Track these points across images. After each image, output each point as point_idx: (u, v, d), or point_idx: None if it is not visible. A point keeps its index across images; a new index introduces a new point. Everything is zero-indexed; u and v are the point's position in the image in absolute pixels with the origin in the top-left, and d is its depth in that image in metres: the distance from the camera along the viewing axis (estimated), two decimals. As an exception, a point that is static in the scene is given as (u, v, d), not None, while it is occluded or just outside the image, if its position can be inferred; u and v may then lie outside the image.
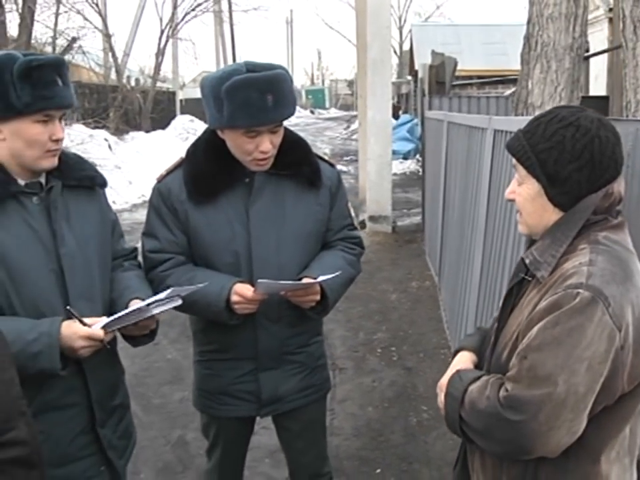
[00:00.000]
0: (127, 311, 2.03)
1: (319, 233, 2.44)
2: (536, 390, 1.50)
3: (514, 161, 1.69)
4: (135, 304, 2.11)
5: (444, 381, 1.78)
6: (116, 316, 2.02)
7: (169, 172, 2.38)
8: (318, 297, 2.32)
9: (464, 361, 1.84)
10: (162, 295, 2.07)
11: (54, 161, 2.03)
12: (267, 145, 2.22)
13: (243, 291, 2.24)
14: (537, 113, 1.77)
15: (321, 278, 2.26)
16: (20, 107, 1.90)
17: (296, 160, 2.36)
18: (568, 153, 1.58)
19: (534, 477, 1.64)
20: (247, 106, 2.12)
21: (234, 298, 2.24)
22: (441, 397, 1.77)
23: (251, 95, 2.11)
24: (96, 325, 1.97)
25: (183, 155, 2.41)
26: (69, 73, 2.04)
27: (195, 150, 2.37)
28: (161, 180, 2.38)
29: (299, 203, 2.37)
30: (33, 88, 1.90)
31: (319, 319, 2.54)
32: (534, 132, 1.64)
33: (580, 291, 1.49)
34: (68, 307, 1.96)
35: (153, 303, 2.05)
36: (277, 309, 2.35)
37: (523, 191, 1.67)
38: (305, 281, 2.29)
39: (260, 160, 2.25)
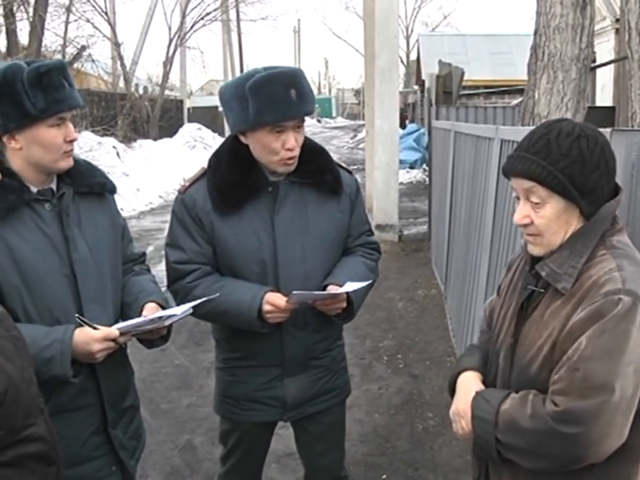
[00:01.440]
0: (140, 320, 2.06)
1: (341, 239, 2.47)
2: (591, 399, 1.52)
3: (526, 185, 1.66)
4: (150, 309, 2.15)
5: (462, 406, 1.77)
6: (130, 323, 2.05)
7: (192, 183, 2.38)
8: (344, 304, 2.35)
9: (474, 381, 1.84)
10: (178, 311, 2.11)
11: (70, 161, 2.08)
12: (293, 141, 2.24)
13: (275, 300, 2.26)
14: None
15: (348, 286, 2.29)
16: (36, 113, 1.94)
17: (318, 168, 2.39)
18: (589, 164, 1.61)
19: None
20: (272, 101, 2.15)
21: (266, 307, 2.26)
22: (462, 423, 1.76)
23: (275, 89, 2.15)
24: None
25: (199, 164, 2.44)
26: (72, 75, 2.08)
27: (218, 160, 2.38)
28: (184, 191, 2.38)
29: (322, 210, 2.40)
30: (45, 93, 1.94)
31: (341, 324, 2.56)
32: (547, 151, 1.63)
33: (621, 296, 1.53)
34: (77, 315, 1.99)
35: (169, 317, 2.09)
36: (303, 315, 2.37)
37: (546, 212, 1.65)
38: (331, 288, 2.31)
39: (287, 159, 2.27)
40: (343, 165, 2.55)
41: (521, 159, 1.66)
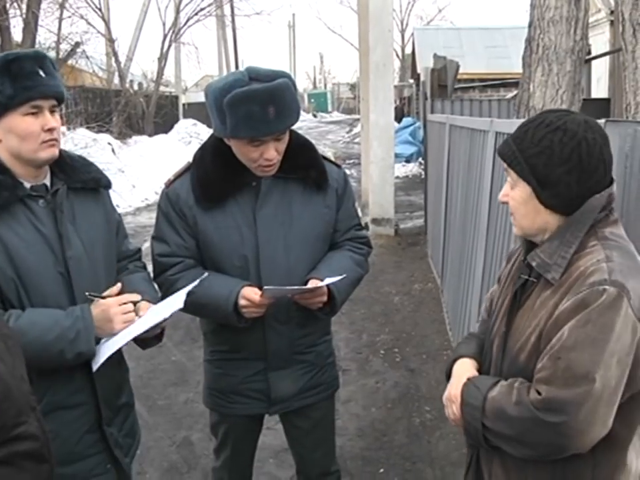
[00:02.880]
0: (138, 329, 2.04)
1: (327, 234, 2.46)
2: (574, 389, 1.52)
3: (504, 165, 1.72)
4: (143, 308, 2.12)
5: (454, 391, 1.78)
6: (128, 335, 2.03)
7: (177, 177, 2.40)
8: (325, 299, 2.35)
9: (468, 368, 1.85)
10: (171, 307, 2.10)
11: (54, 152, 2.03)
12: (272, 152, 2.23)
13: (250, 295, 2.26)
14: (538, 115, 1.80)
15: (327, 281, 2.28)
16: (4, 100, 1.92)
17: (303, 163, 2.38)
18: (557, 157, 1.61)
19: (562, 475, 1.65)
20: (248, 119, 2.13)
21: (241, 302, 2.27)
22: (453, 408, 1.77)
23: (252, 108, 2.12)
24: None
25: (190, 159, 2.44)
26: (53, 65, 2.04)
27: (202, 155, 2.39)
28: (169, 185, 2.40)
29: (306, 205, 2.39)
30: (14, 80, 1.91)
31: (328, 319, 2.57)
32: (523, 137, 1.67)
33: (606, 287, 1.53)
34: (87, 293, 2.02)
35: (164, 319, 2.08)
36: (287, 310, 2.38)
37: (516, 194, 1.70)
38: (310, 283, 2.31)
39: (265, 167, 2.27)
40: (331, 158, 2.55)
41: (505, 141, 1.73)
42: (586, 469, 1.63)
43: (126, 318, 2.02)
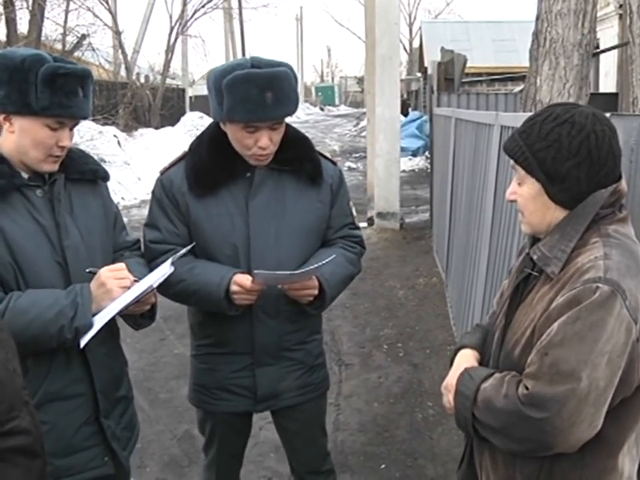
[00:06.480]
0: (126, 301, 2.02)
1: (319, 229, 2.45)
2: (559, 386, 1.50)
3: (512, 162, 1.69)
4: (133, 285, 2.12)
5: (451, 380, 1.78)
6: (121, 302, 2.01)
7: (172, 165, 2.41)
8: (316, 292, 2.33)
9: (468, 359, 1.84)
10: (156, 275, 2.10)
11: (55, 167, 2.05)
12: (266, 141, 2.23)
13: (242, 281, 2.25)
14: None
15: (315, 265, 2.26)
16: (36, 108, 1.93)
17: (298, 156, 2.38)
18: (565, 151, 1.59)
19: (549, 473, 1.63)
20: (245, 101, 2.14)
21: (233, 288, 2.26)
22: (449, 397, 1.77)
23: (250, 90, 2.13)
24: None
25: (187, 148, 2.44)
26: (92, 86, 2.07)
27: (199, 143, 2.39)
28: (163, 172, 2.41)
29: (300, 198, 2.38)
30: (53, 94, 1.92)
31: (318, 315, 2.54)
32: (530, 132, 1.64)
33: (599, 285, 1.50)
34: (88, 270, 2.03)
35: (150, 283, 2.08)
36: (276, 303, 2.36)
37: (524, 191, 1.68)
38: (301, 270, 2.29)
39: (259, 156, 2.27)
40: (327, 155, 2.54)
41: (511, 136, 1.71)
42: (574, 469, 1.61)
43: (121, 283, 2.01)
